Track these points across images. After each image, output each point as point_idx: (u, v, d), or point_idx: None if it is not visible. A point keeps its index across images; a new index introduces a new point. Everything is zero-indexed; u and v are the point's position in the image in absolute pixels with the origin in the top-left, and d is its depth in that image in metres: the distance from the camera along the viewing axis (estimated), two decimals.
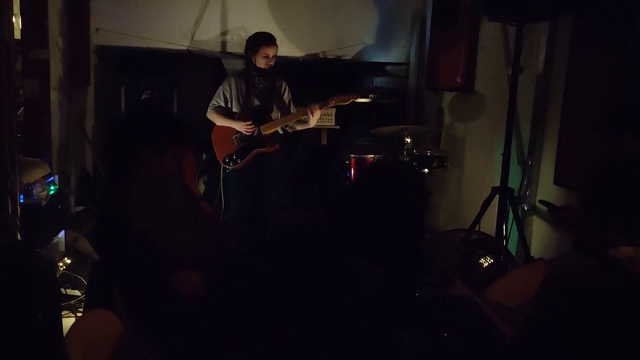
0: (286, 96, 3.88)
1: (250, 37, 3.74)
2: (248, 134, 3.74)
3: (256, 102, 3.78)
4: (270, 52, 3.66)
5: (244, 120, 3.75)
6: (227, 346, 1.24)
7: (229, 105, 3.82)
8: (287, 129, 3.89)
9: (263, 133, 3.75)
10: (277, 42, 3.73)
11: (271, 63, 3.70)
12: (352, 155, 4.30)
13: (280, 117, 3.82)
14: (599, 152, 2.85)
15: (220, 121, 3.80)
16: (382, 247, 1.40)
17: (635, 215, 2.13)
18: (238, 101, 3.79)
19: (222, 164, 3.84)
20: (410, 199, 1.46)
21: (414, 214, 1.48)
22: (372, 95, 4.88)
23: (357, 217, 1.43)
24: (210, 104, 3.83)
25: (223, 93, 3.81)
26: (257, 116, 3.77)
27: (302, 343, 1.19)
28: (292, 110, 3.88)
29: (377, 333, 1.25)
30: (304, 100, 4.48)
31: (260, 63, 3.67)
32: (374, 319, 1.27)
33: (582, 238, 2.33)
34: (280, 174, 4.16)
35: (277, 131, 3.82)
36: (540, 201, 2.45)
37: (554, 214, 2.38)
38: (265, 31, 3.78)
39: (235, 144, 3.81)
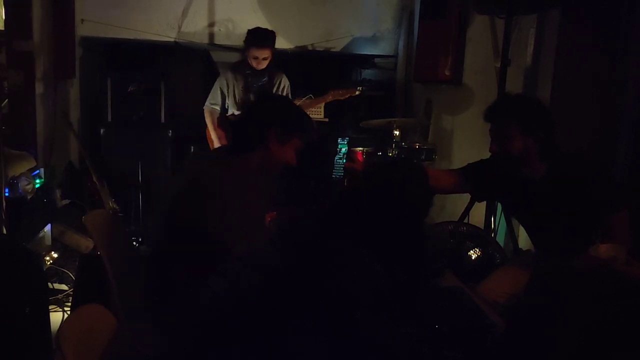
0: (284, 93, 3.86)
1: (246, 33, 3.69)
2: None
3: (252, 100, 3.76)
4: (259, 54, 3.59)
5: (225, 136, 3.72)
6: (232, 340, 1.23)
7: (227, 101, 3.80)
8: None
9: None
10: None
11: (261, 65, 3.64)
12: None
13: None
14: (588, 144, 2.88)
15: (208, 123, 3.81)
16: (385, 244, 1.39)
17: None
18: (234, 98, 3.77)
19: None
20: (415, 197, 1.46)
21: (418, 212, 1.47)
22: (360, 88, 4.87)
23: (364, 214, 1.42)
24: (208, 101, 3.83)
25: (220, 89, 3.79)
26: None
27: (305, 337, 1.19)
28: None
29: (376, 327, 1.26)
30: (293, 93, 4.46)
31: (252, 63, 3.65)
32: (374, 314, 1.27)
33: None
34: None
35: None
36: None
37: None
38: (264, 29, 3.70)
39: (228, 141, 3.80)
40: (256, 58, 3.61)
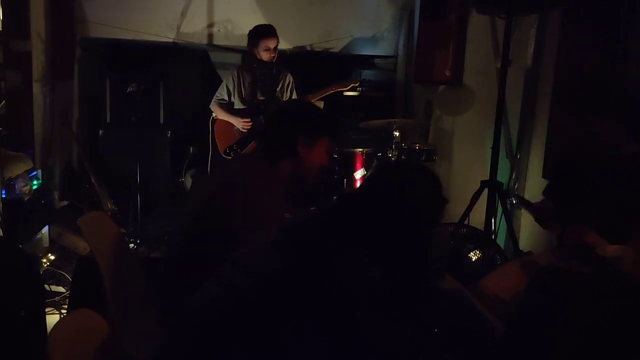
0: (289, 89, 3.93)
1: (250, 31, 3.81)
2: (244, 130, 3.81)
3: (259, 95, 3.83)
4: (271, 44, 3.73)
5: (243, 116, 3.81)
6: (229, 342, 1.22)
7: (232, 99, 3.87)
8: None
9: (264, 123, 3.78)
10: None
11: (273, 55, 3.76)
12: (339, 149, 4.26)
13: None
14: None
15: (221, 115, 3.88)
16: (385, 245, 1.37)
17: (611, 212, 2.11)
18: (240, 94, 3.84)
19: (224, 155, 3.89)
20: (416, 199, 1.43)
21: (419, 214, 1.45)
22: (360, 89, 4.86)
23: (364, 214, 1.40)
24: (214, 97, 3.92)
25: (226, 86, 3.87)
26: (259, 109, 3.82)
27: (305, 338, 1.18)
28: None
29: (376, 328, 1.24)
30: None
31: (263, 56, 3.74)
32: (374, 315, 1.25)
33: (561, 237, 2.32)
34: None
35: None
36: (516, 196, 2.46)
37: (533, 212, 2.37)
38: (265, 23, 3.86)
39: (237, 134, 3.87)
40: (268, 49, 3.72)
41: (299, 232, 1.40)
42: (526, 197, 3.28)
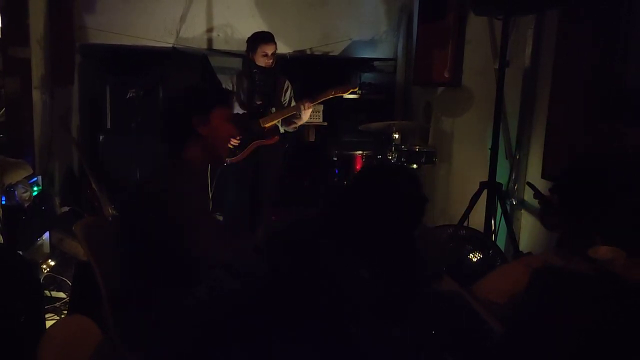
0: (288, 95, 3.95)
1: (249, 37, 3.83)
2: (230, 146, 3.79)
3: (257, 100, 3.85)
4: (269, 49, 3.76)
5: (237, 127, 3.82)
6: (217, 347, 1.22)
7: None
8: (283, 127, 3.94)
9: (262, 125, 3.80)
10: None
11: (270, 61, 3.79)
12: (339, 152, 4.27)
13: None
14: (586, 146, 2.85)
15: None
16: (375, 251, 1.37)
17: (613, 215, 2.09)
18: (239, 98, 3.86)
19: None
20: (406, 203, 1.43)
21: (409, 218, 1.45)
22: (359, 91, 4.87)
23: (354, 219, 1.40)
24: None
25: None
26: (257, 112, 3.83)
27: (292, 346, 1.18)
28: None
29: (367, 339, 1.24)
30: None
31: (260, 62, 3.77)
32: (364, 325, 1.25)
33: (562, 236, 2.31)
34: (279, 169, 4.18)
35: (277, 126, 3.86)
36: (527, 183, 2.43)
37: (539, 200, 2.34)
38: (264, 30, 3.89)
39: None
40: (265, 55, 3.75)
41: (291, 232, 1.40)
42: (525, 198, 3.28)
